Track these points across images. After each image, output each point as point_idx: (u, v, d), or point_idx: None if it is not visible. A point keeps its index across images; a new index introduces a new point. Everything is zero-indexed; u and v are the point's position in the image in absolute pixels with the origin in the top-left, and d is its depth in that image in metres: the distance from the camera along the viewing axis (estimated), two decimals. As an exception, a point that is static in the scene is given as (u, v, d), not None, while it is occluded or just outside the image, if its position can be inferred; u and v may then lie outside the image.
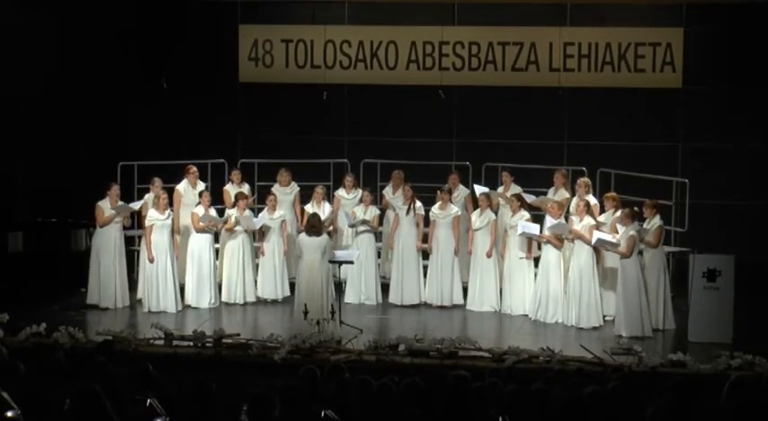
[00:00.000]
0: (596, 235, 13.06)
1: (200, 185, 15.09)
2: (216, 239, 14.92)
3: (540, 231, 13.89)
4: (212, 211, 14.56)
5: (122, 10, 17.28)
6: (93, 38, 16.80)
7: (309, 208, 14.85)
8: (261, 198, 15.62)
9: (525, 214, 14.13)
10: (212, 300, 14.41)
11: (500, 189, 15.09)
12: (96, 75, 16.85)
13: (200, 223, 14.35)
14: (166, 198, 14.22)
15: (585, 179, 14.58)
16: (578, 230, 13.39)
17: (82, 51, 16.66)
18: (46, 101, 16.29)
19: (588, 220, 13.41)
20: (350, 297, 14.65)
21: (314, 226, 13.00)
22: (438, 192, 14.86)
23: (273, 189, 15.28)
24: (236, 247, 14.64)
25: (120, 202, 14.31)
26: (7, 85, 15.55)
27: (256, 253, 14.97)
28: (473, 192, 15.15)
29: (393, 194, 15.12)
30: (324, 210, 14.72)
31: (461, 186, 15.22)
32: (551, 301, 13.71)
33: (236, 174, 15.47)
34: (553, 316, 13.69)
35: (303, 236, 13.12)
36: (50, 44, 16.26)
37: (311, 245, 12.93)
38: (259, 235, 14.90)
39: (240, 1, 17.98)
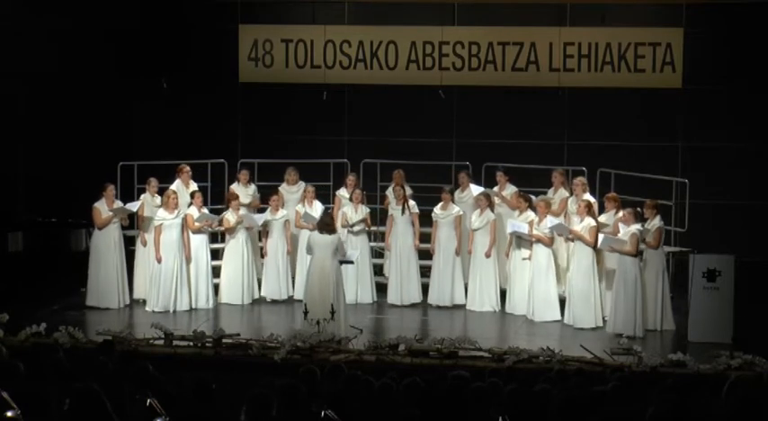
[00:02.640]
0: (601, 238, 13.05)
1: (193, 185, 15.06)
2: (213, 239, 14.93)
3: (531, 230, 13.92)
4: (205, 211, 14.56)
5: (123, 10, 17.27)
6: (92, 38, 16.80)
7: (300, 208, 14.85)
8: (262, 198, 15.60)
9: (531, 214, 14.09)
10: (210, 301, 14.40)
11: (495, 188, 15.08)
12: (96, 75, 16.84)
13: (196, 224, 14.35)
14: (176, 197, 14.20)
15: (582, 178, 14.58)
16: (578, 231, 13.38)
17: (82, 51, 16.65)
18: (46, 101, 16.29)
19: (589, 221, 13.40)
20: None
21: (327, 224, 12.94)
22: (441, 192, 14.85)
23: (281, 188, 15.34)
24: (238, 248, 14.65)
25: (118, 203, 14.31)
26: (8, 84, 15.56)
27: (260, 253, 15.02)
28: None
29: (394, 195, 15.11)
30: (315, 210, 14.70)
31: (472, 186, 15.18)
32: (544, 301, 13.72)
33: (243, 175, 15.47)
34: (548, 315, 13.69)
35: (315, 233, 13.03)
36: (51, 45, 16.25)
37: (323, 242, 12.83)
38: (263, 234, 14.91)
39: (240, 1, 17.98)
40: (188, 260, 14.23)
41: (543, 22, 17.29)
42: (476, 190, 14.94)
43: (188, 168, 15.11)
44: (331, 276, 12.70)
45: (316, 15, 17.89)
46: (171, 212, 14.07)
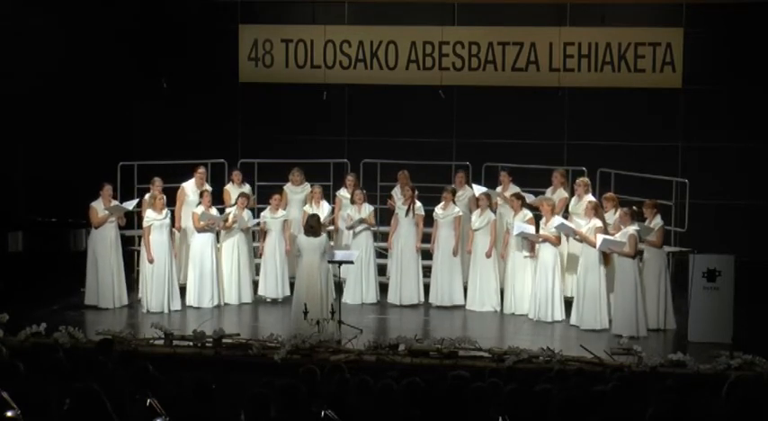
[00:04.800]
0: (600, 239, 13.04)
1: (207, 187, 15.05)
2: (218, 239, 14.94)
3: (537, 231, 13.89)
4: (213, 211, 14.56)
5: (123, 10, 17.28)
6: (93, 38, 16.81)
7: (308, 208, 14.86)
8: (261, 198, 15.61)
9: (528, 213, 14.10)
10: (214, 300, 14.41)
11: (498, 189, 15.09)
12: (96, 75, 16.85)
13: (200, 222, 14.36)
14: (163, 198, 14.21)
15: (585, 178, 14.58)
16: (584, 232, 13.35)
17: (82, 51, 16.66)
18: (46, 101, 16.28)
19: (595, 222, 13.35)
20: (348, 297, 14.67)
21: (312, 226, 13.02)
22: (443, 191, 14.86)
23: (285, 187, 15.35)
24: (231, 248, 14.66)
25: (114, 202, 14.31)
26: (8, 84, 15.56)
27: (255, 252, 15.03)
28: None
29: (401, 195, 15.11)
30: (322, 210, 14.72)
31: (467, 186, 15.20)
32: (548, 301, 13.71)
33: (236, 175, 15.48)
34: (551, 315, 13.68)
35: (301, 236, 13.15)
36: (51, 44, 16.25)
37: (310, 245, 12.95)
38: (261, 234, 14.92)
39: (240, 1, 17.99)
40: (176, 257, 14.27)
41: (543, 22, 17.29)
42: (478, 190, 14.93)
43: (203, 170, 15.14)
44: (319, 278, 12.75)
45: (316, 15, 17.89)
46: (159, 213, 14.08)
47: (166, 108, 17.57)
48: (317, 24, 17.83)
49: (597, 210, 13.51)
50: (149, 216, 14.08)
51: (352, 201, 14.93)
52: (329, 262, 13.25)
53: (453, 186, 15.03)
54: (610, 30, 17.10)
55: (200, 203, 14.53)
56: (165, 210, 14.18)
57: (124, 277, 14.42)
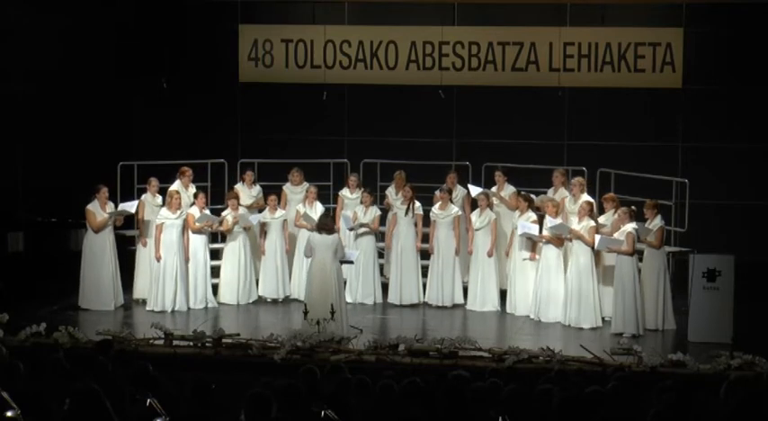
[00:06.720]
0: (598, 239, 13.05)
1: (192, 188, 15.04)
2: (213, 239, 14.93)
3: (540, 231, 13.89)
4: (207, 212, 14.55)
5: (122, 10, 17.27)
6: (93, 37, 16.81)
7: (301, 207, 14.86)
8: (264, 198, 15.61)
9: (532, 215, 14.08)
10: (208, 302, 14.39)
11: (494, 188, 15.08)
12: (96, 74, 16.85)
13: (197, 224, 14.34)
14: (179, 197, 14.19)
15: (580, 178, 14.58)
16: (578, 231, 13.38)
17: (82, 51, 16.66)
18: (46, 101, 16.27)
19: (588, 222, 13.39)
20: (348, 297, 14.65)
21: (326, 224, 12.97)
22: (436, 192, 14.86)
23: (285, 187, 15.36)
24: (236, 248, 14.65)
25: (110, 205, 14.22)
26: (7, 84, 15.55)
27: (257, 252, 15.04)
28: (468, 192, 15.15)
29: (396, 195, 15.10)
30: (315, 210, 14.70)
31: (459, 186, 15.21)
32: (551, 301, 13.71)
33: (248, 175, 15.46)
34: (554, 316, 13.68)
35: (314, 234, 13.04)
36: (50, 44, 16.25)
37: (323, 243, 12.83)
38: (260, 233, 14.92)
39: (240, 1, 17.99)
40: (186, 260, 14.22)
41: (543, 22, 17.29)
42: (474, 190, 14.94)
43: (190, 171, 15.09)
44: (332, 277, 12.69)
45: (316, 15, 17.88)
46: (173, 212, 14.07)
47: (166, 108, 17.58)
48: (317, 24, 17.82)
49: (591, 211, 13.54)
50: (162, 214, 14.07)
51: (362, 202, 14.92)
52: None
53: (448, 186, 15.01)
54: (610, 30, 17.10)
55: (193, 204, 14.51)
56: (180, 210, 14.14)
57: (120, 278, 14.38)
